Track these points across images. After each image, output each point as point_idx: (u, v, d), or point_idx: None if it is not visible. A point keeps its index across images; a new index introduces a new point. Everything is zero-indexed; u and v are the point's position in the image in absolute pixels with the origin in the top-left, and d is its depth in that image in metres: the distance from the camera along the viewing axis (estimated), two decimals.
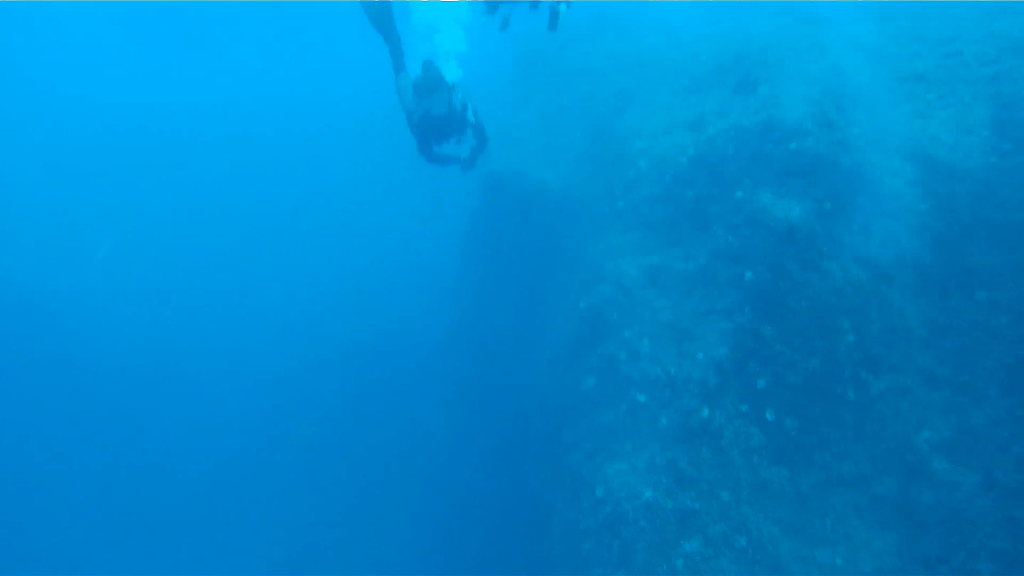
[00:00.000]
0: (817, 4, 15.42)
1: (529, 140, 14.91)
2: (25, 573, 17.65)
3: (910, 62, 10.58)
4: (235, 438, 20.88)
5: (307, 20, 39.95)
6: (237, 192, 32.34)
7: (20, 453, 20.36)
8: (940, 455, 7.75)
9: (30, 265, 26.69)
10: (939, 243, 8.45)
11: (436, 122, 8.18)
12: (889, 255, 8.15)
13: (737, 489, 8.19)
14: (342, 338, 22.96)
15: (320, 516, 18.19)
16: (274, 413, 21.16)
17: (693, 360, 8.73)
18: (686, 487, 8.41)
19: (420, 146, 8.42)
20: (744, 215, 8.93)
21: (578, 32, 9.27)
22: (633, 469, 8.80)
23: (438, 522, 16.26)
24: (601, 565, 8.91)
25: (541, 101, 15.73)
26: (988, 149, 8.84)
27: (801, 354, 8.08)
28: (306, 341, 23.58)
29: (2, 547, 18.07)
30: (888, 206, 8.36)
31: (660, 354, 9.03)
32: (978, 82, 9.72)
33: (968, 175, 8.69)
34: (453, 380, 17.41)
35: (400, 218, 27.67)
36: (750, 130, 9.48)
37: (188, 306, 26.66)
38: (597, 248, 10.66)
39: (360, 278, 26.68)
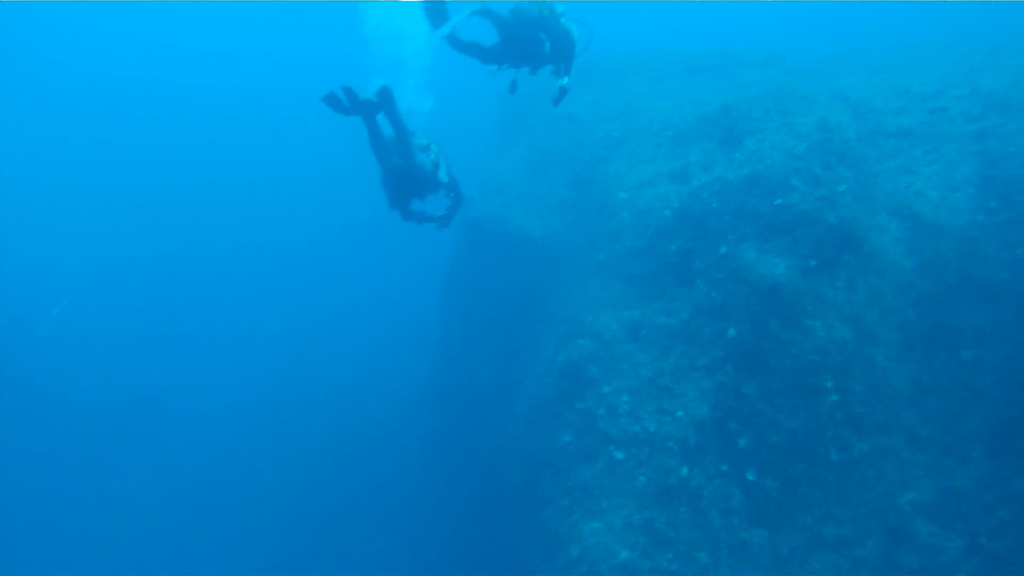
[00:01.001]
0: (802, 56, 15.52)
1: (512, 186, 14.75)
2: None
3: (896, 117, 10.52)
4: (207, 485, 20.54)
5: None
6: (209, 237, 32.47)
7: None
8: (924, 517, 7.54)
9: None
10: (924, 301, 8.30)
11: (401, 177, 7.97)
12: (874, 313, 7.98)
13: (716, 551, 7.92)
14: (318, 384, 22.75)
15: (295, 567, 17.80)
16: (249, 456, 20.81)
17: (673, 418, 8.50)
18: (663, 548, 8.14)
19: (391, 202, 8.20)
20: (728, 271, 8.75)
21: (553, 79, 9.08)
22: (609, 528, 8.52)
23: (411, 572, 15.92)
24: None
25: (525, 148, 15.62)
26: (974, 207, 8.74)
27: (783, 413, 7.86)
28: (281, 387, 23.34)
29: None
30: (874, 264, 8.20)
31: (639, 411, 8.80)
32: (964, 139, 9.66)
33: (954, 233, 8.57)
34: (429, 429, 17.12)
35: (378, 264, 27.59)
36: (735, 184, 9.34)
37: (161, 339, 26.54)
38: (578, 300, 10.46)
39: (337, 323, 26.55)
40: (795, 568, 7.61)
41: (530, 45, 8.04)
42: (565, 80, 8.20)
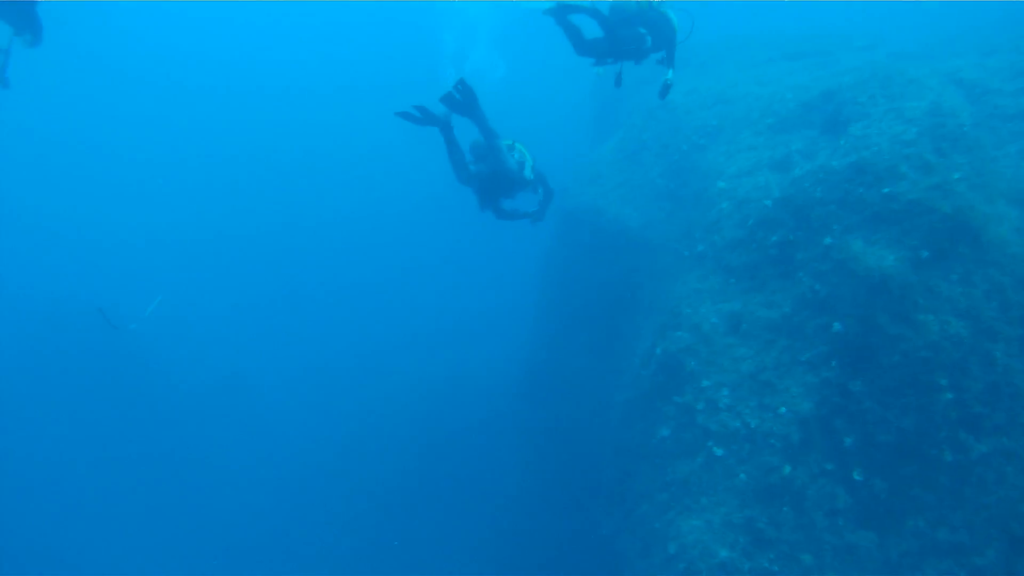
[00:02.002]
0: (906, 38, 14.85)
1: (607, 176, 14.62)
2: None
3: (1016, 99, 9.98)
4: (304, 469, 21.06)
5: None
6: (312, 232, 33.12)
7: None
8: None
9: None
10: None
11: (489, 182, 8.20)
12: (992, 308, 7.56)
13: (820, 553, 7.69)
14: (416, 375, 23.03)
15: (381, 547, 18.08)
16: (344, 447, 21.21)
17: (775, 414, 8.26)
18: (765, 548, 7.94)
19: (480, 203, 8.43)
20: (832, 262, 8.43)
21: (658, 68, 8.95)
22: (708, 526, 8.35)
23: (505, 562, 16.00)
24: None
25: (620, 137, 15.44)
26: None
27: (893, 412, 7.54)
28: (379, 377, 23.71)
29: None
30: (992, 255, 7.77)
31: (740, 406, 8.58)
32: None
33: None
34: (526, 419, 17.16)
35: (475, 254, 27.75)
36: (840, 172, 8.98)
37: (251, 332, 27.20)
38: (675, 292, 10.26)
39: (434, 314, 26.83)
40: (906, 574, 7.31)
41: (631, 42, 8.02)
42: (670, 74, 8.27)
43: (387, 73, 43.86)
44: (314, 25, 49.64)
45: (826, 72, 12.90)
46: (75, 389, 22.22)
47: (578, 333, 14.41)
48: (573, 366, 14.42)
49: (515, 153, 8.42)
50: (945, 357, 7.39)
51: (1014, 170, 8.76)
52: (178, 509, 20.09)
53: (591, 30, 8.25)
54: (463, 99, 7.60)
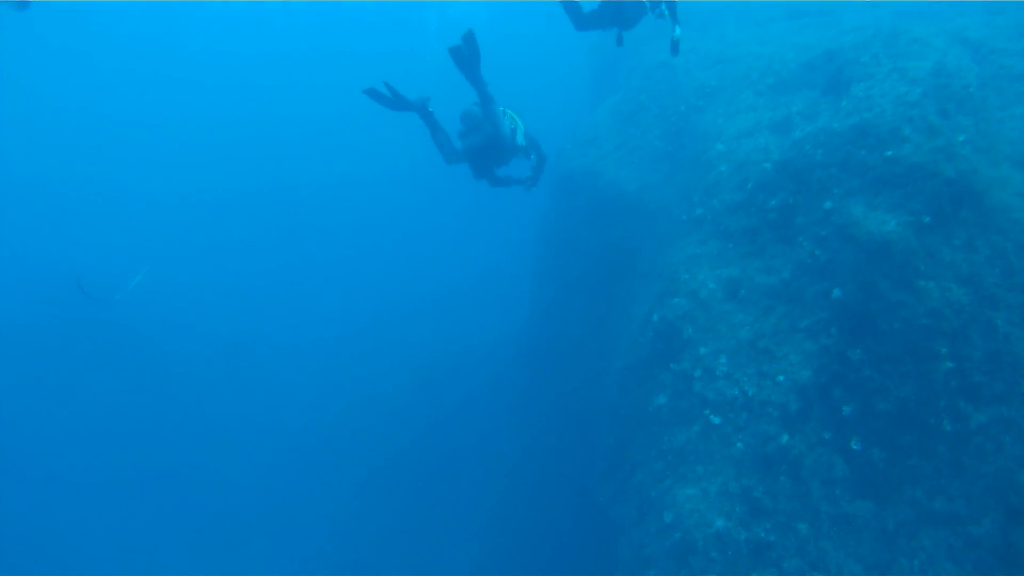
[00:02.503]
0: None
1: (605, 139, 14.37)
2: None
3: (1022, 58, 9.70)
4: (302, 431, 21.08)
5: None
6: (307, 200, 32.91)
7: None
8: None
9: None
10: None
11: (481, 151, 8.09)
12: (995, 275, 7.39)
13: (816, 522, 7.60)
14: (413, 342, 22.97)
15: (381, 514, 18.12)
16: (345, 413, 21.19)
17: (773, 382, 8.14)
18: (761, 518, 7.86)
19: (475, 174, 8.35)
20: (833, 227, 8.24)
21: (656, 26, 8.71)
22: (704, 495, 8.26)
23: (503, 528, 16.04)
24: None
25: (618, 98, 15.16)
26: None
27: (892, 380, 7.41)
28: (378, 345, 23.65)
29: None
30: (996, 220, 7.58)
31: (737, 374, 8.45)
32: None
33: None
34: (522, 385, 17.10)
35: (471, 219, 27.57)
36: (841, 134, 8.75)
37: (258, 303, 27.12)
38: (673, 257, 10.08)
39: (432, 281, 26.71)
40: (902, 544, 7.22)
41: (632, 9, 7.92)
42: (677, 30, 8.04)
43: (374, 44, 43.51)
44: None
45: (828, 31, 12.59)
46: (68, 361, 22.14)
47: (575, 299, 14.26)
48: (571, 332, 14.29)
49: (507, 119, 8.24)
50: (946, 324, 7.23)
51: (1020, 132, 8.52)
52: (175, 485, 20.10)
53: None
54: (468, 53, 7.48)
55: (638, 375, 10.00)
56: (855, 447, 7.54)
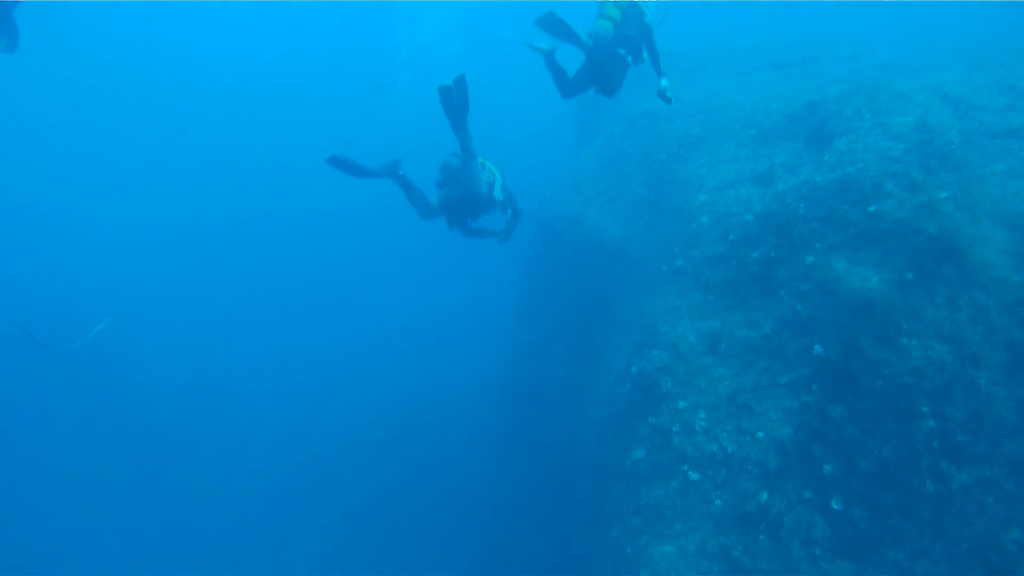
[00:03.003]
0: (892, 49, 14.63)
1: (587, 184, 14.33)
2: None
3: (1003, 115, 9.74)
4: (279, 474, 20.72)
5: None
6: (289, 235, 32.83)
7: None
8: None
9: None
10: None
11: (456, 204, 8.09)
12: (977, 333, 7.30)
13: None
14: (393, 383, 22.73)
15: (355, 558, 17.74)
16: (319, 457, 20.86)
17: (753, 438, 7.98)
18: None
19: (448, 223, 8.32)
20: (815, 282, 8.16)
21: (640, 74, 8.68)
22: (682, 554, 8.06)
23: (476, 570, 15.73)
24: None
25: (601, 144, 15.16)
26: None
27: (874, 439, 7.27)
28: (356, 385, 23.38)
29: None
30: (978, 278, 7.51)
31: (716, 429, 8.29)
32: None
33: None
34: (501, 429, 16.89)
35: (452, 260, 27.47)
36: (824, 188, 8.70)
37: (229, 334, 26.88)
38: (653, 308, 9.96)
39: (409, 321, 26.55)
40: None
41: (615, 67, 8.08)
42: (664, 82, 8.15)
43: (348, 67, 43.83)
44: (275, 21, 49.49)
45: (811, 83, 12.66)
46: (46, 389, 21.79)
47: (555, 344, 14.12)
48: (550, 378, 14.13)
49: (485, 173, 8.21)
50: (928, 384, 7.11)
51: (1000, 189, 8.51)
52: (156, 516, 19.67)
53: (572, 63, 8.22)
54: (458, 99, 7.44)
55: (616, 427, 9.83)
56: (836, 507, 7.37)
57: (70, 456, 20.72)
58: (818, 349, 7.84)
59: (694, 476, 8.26)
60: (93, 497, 20.01)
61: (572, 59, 8.42)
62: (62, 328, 20.88)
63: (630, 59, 8.10)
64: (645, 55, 8.29)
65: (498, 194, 8.34)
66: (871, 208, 8.05)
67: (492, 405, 17.84)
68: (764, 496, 7.71)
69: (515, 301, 17.45)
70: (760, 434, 7.93)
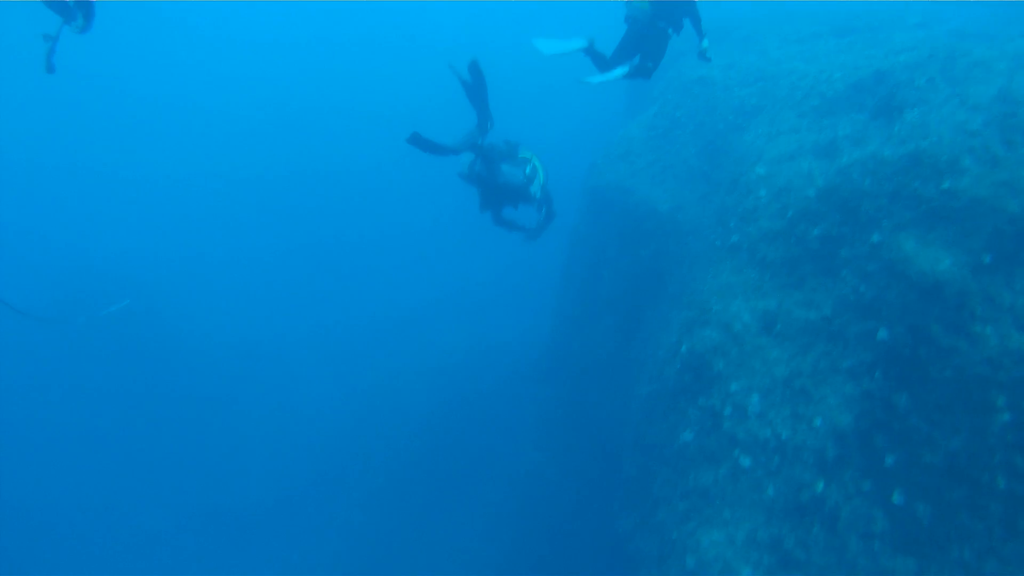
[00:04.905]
0: (966, 15, 13.85)
1: (638, 154, 13.87)
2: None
3: None
4: (317, 434, 20.79)
5: None
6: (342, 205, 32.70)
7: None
8: None
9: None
10: None
11: (487, 186, 8.13)
12: None
13: None
14: (436, 350, 22.59)
15: (395, 521, 17.72)
16: (358, 424, 20.85)
17: (810, 425, 7.60)
18: (792, 570, 7.33)
19: (481, 204, 8.35)
20: (881, 262, 7.68)
21: (692, 40, 8.24)
22: (731, 541, 7.75)
23: (517, 544, 15.61)
24: None
25: (653, 112, 14.66)
26: None
27: (942, 431, 6.83)
28: (399, 351, 23.30)
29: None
30: None
31: (771, 414, 7.92)
32: None
33: None
34: (546, 401, 16.68)
35: (498, 230, 27.21)
36: (893, 163, 8.17)
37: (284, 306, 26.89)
38: (705, 285, 9.54)
39: (453, 282, 26.35)
40: None
41: (658, 41, 7.86)
42: (705, 42, 7.99)
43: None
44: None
45: (878, 51, 12.00)
46: (70, 356, 21.97)
47: (602, 315, 13.78)
48: (595, 349, 13.83)
49: (527, 167, 8.16)
50: (1004, 374, 6.63)
51: None
52: (189, 483, 19.83)
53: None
54: (475, 83, 7.51)
55: (664, 406, 9.49)
56: (897, 500, 6.98)
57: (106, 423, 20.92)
58: (883, 334, 7.40)
59: (745, 462, 7.92)
60: (136, 461, 20.21)
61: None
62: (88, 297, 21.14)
63: (671, 31, 7.85)
64: (686, 21, 7.97)
65: (536, 191, 8.26)
66: (945, 185, 7.52)
67: (536, 377, 17.59)
68: (820, 486, 7.36)
69: (562, 268, 17.11)
70: (817, 421, 7.55)
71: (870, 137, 9.15)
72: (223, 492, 19.76)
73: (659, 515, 9.03)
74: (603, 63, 8.17)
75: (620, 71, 7.78)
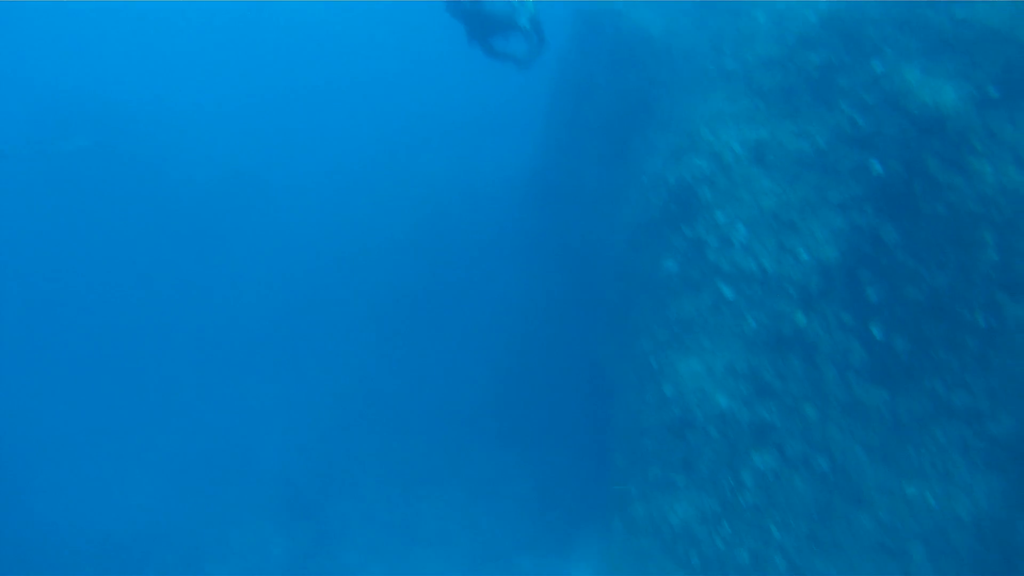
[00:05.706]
0: None
1: None
2: None
3: None
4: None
5: None
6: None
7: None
8: None
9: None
10: None
11: (477, 14, 8.32)
12: None
13: (825, 407, 7.26)
14: (416, 172, 22.24)
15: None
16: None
17: (795, 257, 7.57)
18: (767, 399, 7.51)
19: (468, 35, 8.56)
20: (881, 93, 7.41)
21: None
22: (709, 371, 7.88)
23: (498, 368, 15.90)
24: (661, 466, 8.19)
25: None
26: None
27: (928, 267, 6.82)
28: (378, 170, 22.95)
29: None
30: None
31: (756, 245, 7.86)
32: None
33: None
34: (527, 228, 16.60)
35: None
36: None
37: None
38: (696, 112, 9.22)
39: (437, 106, 25.67)
40: (913, 435, 6.87)
41: None
42: None
43: None
44: None
45: None
46: None
47: (588, 142, 13.46)
48: (581, 176, 13.59)
49: None
50: (996, 212, 6.54)
51: None
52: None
53: None
54: None
55: (648, 234, 9.40)
56: (876, 335, 7.05)
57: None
58: (877, 167, 7.24)
59: (728, 293, 7.93)
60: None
61: None
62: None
63: None
64: None
65: (524, 22, 8.41)
66: (959, 13, 7.15)
67: (520, 201, 17.44)
68: (801, 318, 7.41)
69: (548, 93, 16.60)
70: (803, 253, 7.51)
71: None
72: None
73: (639, 343, 9.12)
74: None
75: None
